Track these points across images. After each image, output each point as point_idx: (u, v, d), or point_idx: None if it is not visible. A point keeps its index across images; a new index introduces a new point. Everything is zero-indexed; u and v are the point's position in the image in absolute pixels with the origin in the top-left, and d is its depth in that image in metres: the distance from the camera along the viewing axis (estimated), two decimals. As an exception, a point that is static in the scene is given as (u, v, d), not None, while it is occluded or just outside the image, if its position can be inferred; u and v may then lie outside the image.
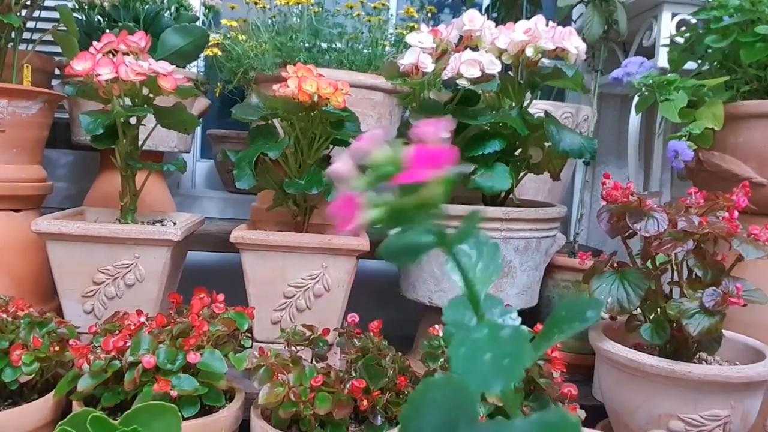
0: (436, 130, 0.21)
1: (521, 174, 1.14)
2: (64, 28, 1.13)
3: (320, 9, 1.30)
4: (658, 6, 1.44)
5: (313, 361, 0.90)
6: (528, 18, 1.08)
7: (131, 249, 1.01)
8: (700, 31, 1.15)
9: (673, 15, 1.43)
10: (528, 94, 1.09)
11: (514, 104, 1.08)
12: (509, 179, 1.02)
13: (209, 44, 1.29)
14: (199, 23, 1.40)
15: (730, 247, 0.85)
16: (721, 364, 0.91)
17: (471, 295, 0.26)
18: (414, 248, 0.23)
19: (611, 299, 0.88)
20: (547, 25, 1.02)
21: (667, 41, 1.37)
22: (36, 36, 1.22)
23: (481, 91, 1.09)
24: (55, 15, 1.16)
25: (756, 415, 0.87)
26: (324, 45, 1.29)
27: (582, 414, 0.81)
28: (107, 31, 1.18)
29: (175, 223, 1.10)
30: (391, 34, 1.37)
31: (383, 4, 1.34)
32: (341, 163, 0.24)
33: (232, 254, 1.09)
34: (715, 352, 0.90)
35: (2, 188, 1.13)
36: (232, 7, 1.38)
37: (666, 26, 1.42)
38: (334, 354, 1.02)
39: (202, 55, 1.32)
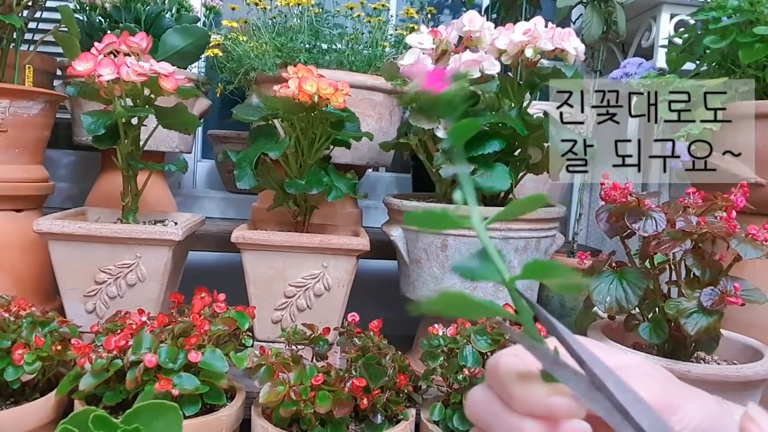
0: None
1: (521, 174, 1.14)
2: (66, 29, 1.14)
3: (320, 10, 1.30)
4: (657, 7, 1.45)
5: (314, 360, 0.90)
6: (527, 19, 1.08)
7: (133, 249, 1.01)
8: (699, 32, 1.16)
9: (672, 16, 1.44)
10: (527, 95, 1.09)
11: (513, 105, 1.08)
12: (509, 179, 1.02)
13: (210, 45, 1.29)
14: (200, 24, 1.41)
15: (728, 247, 0.85)
16: (719, 364, 0.92)
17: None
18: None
19: (610, 299, 0.89)
20: (546, 26, 1.02)
21: (666, 42, 1.37)
22: (37, 37, 1.23)
23: (480, 92, 1.09)
24: (57, 16, 1.16)
25: (754, 414, 0.87)
26: (324, 46, 1.29)
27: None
28: (108, 31, 1.19)
29: (176, 223, 1.11)
30: (391, 34, 1.37)
31: (383, 5, 1.35)
32: None
33: (233, 254, 1.09)
34: (714, 351, 0.90)
35: (4, 188, 1.13)
36: (233, 8, 1.38)
37: (665, 27, 1.43)
38: (334, 353, 1.03)
39: (202, 56, 1.32)
